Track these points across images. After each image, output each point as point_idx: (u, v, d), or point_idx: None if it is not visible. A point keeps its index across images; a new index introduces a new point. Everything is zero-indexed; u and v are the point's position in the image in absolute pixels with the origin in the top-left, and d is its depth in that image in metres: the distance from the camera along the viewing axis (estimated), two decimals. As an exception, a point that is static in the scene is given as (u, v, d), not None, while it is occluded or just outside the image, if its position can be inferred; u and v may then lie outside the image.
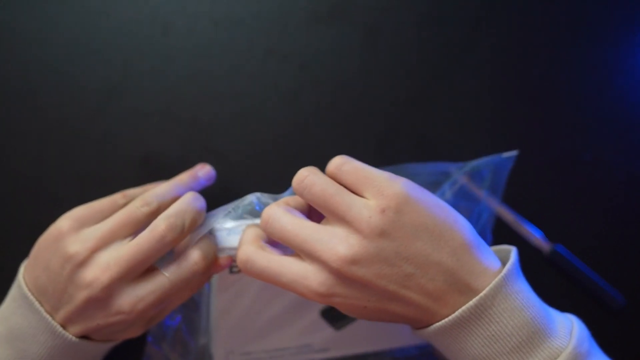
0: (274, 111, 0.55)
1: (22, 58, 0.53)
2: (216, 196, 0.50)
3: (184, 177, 0.48)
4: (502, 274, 0.37)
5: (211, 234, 0.44)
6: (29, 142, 0.53)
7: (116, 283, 0.40)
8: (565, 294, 0.55)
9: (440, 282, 0.37)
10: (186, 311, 0.49)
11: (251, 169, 0.54)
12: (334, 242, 0.37)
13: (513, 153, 0.50)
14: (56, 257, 0.40)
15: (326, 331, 0.50)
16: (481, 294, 0.37)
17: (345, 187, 0.39)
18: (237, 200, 0.43)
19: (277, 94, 0.55)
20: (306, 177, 0.39)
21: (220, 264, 0.43)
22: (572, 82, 0.57)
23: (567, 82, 0.57)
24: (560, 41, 0.57)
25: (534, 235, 0.55)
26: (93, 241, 0.40)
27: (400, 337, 0.52)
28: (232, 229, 0.44)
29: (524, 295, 0.38)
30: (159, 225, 0.40)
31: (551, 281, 0.55)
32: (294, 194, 0.41)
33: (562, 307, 0.42)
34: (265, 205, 0.42)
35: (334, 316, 0.50)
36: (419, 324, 0.39)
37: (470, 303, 0.37)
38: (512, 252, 0.40)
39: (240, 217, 0.44)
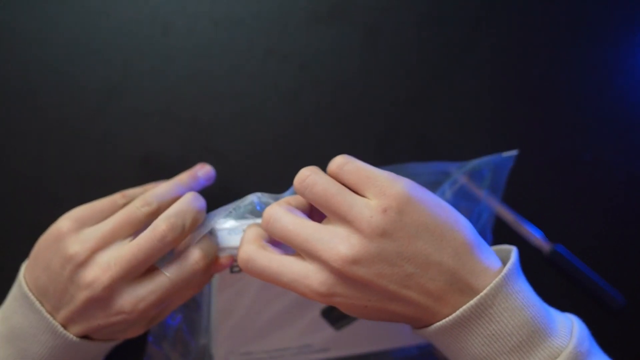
0: (274, 111, 0.55)
1: (22, 58, 0.53)
2: (216, 196, 0.50)
3: (183, 177, 0.48)
4: (502, 273, 0.37)
5: (212, 233, 0.44)
6: (29, 142, 0.53)
7: (117, 283, 0.40)
8: (565, 294, 0.55)
9: (441, 282, 0.37)
10: (187, 311, 0.49)
11: (251, 169, 0.54)
12: (335, 241, 0.37)
13: (513, 152, 0.50)
14: (56, 258, 0.40)
15: (326, 331, 0.50)
16: (482, 294, 0.37)
17: (347, 186, 0.39)
18: (237, 200, 0.44)
19: (277, 94, 0.55)
20: (308, 176, 0.39)
21: (221, 263, 0.44)
22: (572, 82, 0.57)
23: (567, 82, 0.57)
24: (560, 41, 0.57)
25: (534, 235, 0.55)
26: (93, 241, 0.40)
27: (401, 337, 0.52)
28: (233, 229, 0.44)
29: (524, 294, 0.38)
30: (160, 225, 0.40)
31: (551, 281, 0.55)
32: (294, 193, 0.41)
33: (562, 307, 0.42)
34: (266, 205, 0.42)
35: (334, 316, 0.50)
36: (419, 324, 0.39)
37: (471, 302, 0.37)
38: (513, 251, 0.40)
39: (241, 217, 0.44)
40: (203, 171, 0.49)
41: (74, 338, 0.41)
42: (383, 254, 0.36)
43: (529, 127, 0.57)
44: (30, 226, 0.48)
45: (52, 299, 0.41)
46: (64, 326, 0.41)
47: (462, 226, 0.38)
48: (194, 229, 0.42)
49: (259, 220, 0.43)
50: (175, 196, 0.44)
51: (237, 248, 0.42)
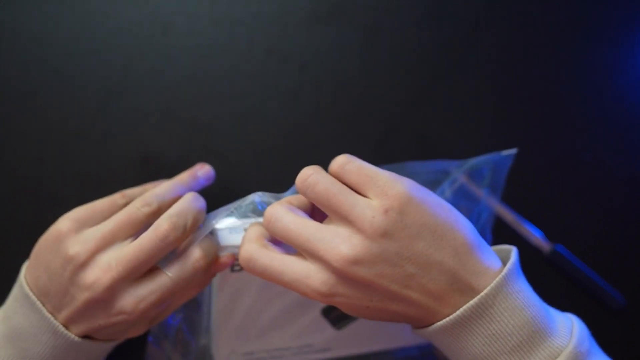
0: (274, 111, 0.55)
1: (22, 58, 0.53)
2: (216, 196, 0.50)
3: (183, 177, 0.48)
4: (502, 273, 0.37)
5: (213, 233, 0.44)
6: (29, 142, 0.53)
7: (118, 283, 0.40)
8: (565, 294, 0.55)
9: (441, 282, 0.37)
10: (187, 311, 0.49)
11: (251, 169, 0.54)
12: (337, 241, 0.37)
13: (512, 151, 0.50)
14: (57, 259, 0.40)
15: (327, 331, 0.50)
16: (482, 294, 0.37)
17: (349, 186, 0.39)
18: (238, 200, 0.43)
19: (277, 94, 0.55)
20: (310, 175, 0.39)
21: (223, 262, 0.43)
22: (572, 82, 0.57)
23: (567, 82, 0.57)
24: (560, 41, 0.57)
25: (534, 235, 0.55)
26: (94, 242, 0.40)
27: (402, 337, 0.52)
28: (235, 228, 0.44)
29: (524, 294, 0.38)
30: (162, 224, 0.40)
31: (551, 281, 0.55)
32: (296, 192, 0.41)
33: (562, 307, 0.42)
34: (268, 204, 0.42)
35: (334, 315, 0.50)
36: (419, 324, 0.39)
37: (471, 302, 0.37)
38: (513, 251, 0.40)
39: (243, 216, 0.44)
40: (203, 171, 0.49)
41: (76, 338, 0.41)
42: (384, 255, 0.36)
43: (529, 127, 0.57)
44: (30, 226, 0.48)
45: (53, 300, 0.41)
46: (65, 326, 0.41)
47: (462, 226, 0.38)
48: (195, 229, 0.42)
49: (261, 219, 0.43)
50: (175, 196, 0.44)
51: (238, 247, 0.42)
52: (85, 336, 0.42)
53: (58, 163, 0.53)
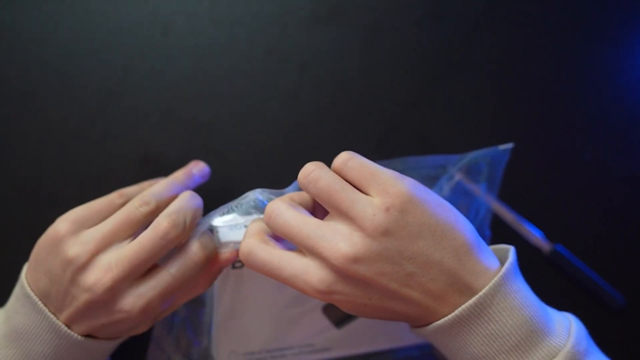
0: (274, 111, 0.55)
1: (22, 58, 0.53)
2: (216, 196, 0.50)
3: (179, 175, 0.48)
4: (500, 273, 0.37)
5: (214, 230, 0.44)
6: (29, 142, 0.53)
7: (119, 284, 0.39)
8: (565, 294, 0.55)
9: (441, 282, 0.37)
10: (189, 311, 0.49)
11: (251, 169, 0.54)
12: (337, 239, 0.37)
13: (509, 145, 0.50)
14: (57, 261, 0.40)
15: (328, 331, 0.50)
16: (480, 294, 0.37)
17: (350, 183, 0.39)
18: (238, 197, 0.43)
19: (277, 94, 0.55)
20: (312, 171, 0.39)
21: (226, 258, 0.43)
22: (572, 82, 0.57)
23: (567, 82, 0.57)
24: (560, 41, 0.57)
25: (534, 235, 0.55)
26: (93, 243, 0.40)
27: (402, 337, 0.52)
28: (237, 224, 0.44)
29: (522, 294, 0.38)
30: (162, 222, 0.40)
31: (551, 281, 0.55)
32: (298, 188, 0.41)
33: (562, 307, 0.42)
34: (270, 200, 0.42)
35: (335, 314, 0.50)
36: (418, 323, 0.39)
37: (470, 302, 0.37)
38: (510, 251, 0.40)
39: (246, 213, 0.44)
40: (197, 168, 0.49)
41: (78, 337, 0.41)
42: (384, 253, 0.36)
43: (528, 127, 0.57)
44: (30, 226, 0.48)
45: (54, 301, 0.41)
46: (67, 326, 0.41)
47: (462, 226, 0.38)
48: (194, 227, 0.42)
49: (262, 216, 0.43)
50: (172, 194, 0.44)
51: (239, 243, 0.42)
52: (88, 335, 0.42)
53: (58, 163, 0.53)
